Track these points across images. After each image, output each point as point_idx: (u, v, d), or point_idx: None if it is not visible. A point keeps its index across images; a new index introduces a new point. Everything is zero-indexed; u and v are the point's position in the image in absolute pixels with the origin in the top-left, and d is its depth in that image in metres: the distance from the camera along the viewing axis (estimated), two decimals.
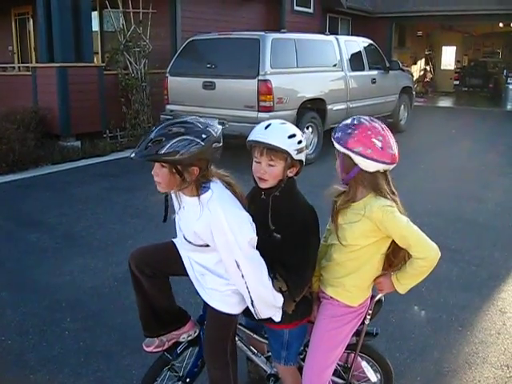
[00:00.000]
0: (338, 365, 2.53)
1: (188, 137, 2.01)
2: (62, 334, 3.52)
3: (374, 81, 10.35)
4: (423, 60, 23.32)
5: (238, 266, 2.09)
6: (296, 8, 14.71)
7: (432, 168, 8.53)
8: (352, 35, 15.91)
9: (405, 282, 2.21)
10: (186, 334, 2.49)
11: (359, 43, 10.39)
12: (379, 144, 2.13)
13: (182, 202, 2.19)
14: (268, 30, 10.47)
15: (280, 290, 2.18)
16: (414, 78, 20.02)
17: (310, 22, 15.06)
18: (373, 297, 2.37)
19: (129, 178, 7.70)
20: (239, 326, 2.51)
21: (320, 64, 9.02)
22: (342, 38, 9.91)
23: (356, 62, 9.94)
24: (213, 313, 2.27)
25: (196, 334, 2.52)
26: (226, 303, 2.24)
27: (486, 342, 3.48)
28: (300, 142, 2.20)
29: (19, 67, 11.87)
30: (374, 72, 10.45)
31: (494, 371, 3.17)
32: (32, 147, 8.36)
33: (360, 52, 10.18)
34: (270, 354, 2.59)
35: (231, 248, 2.08)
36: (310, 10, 15.39)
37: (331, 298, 2.30)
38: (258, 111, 7.85)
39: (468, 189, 7.27)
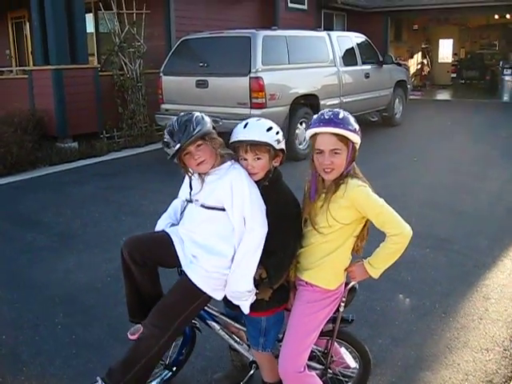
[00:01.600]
0: (318, 351, 2.62)
1: (197, 117, 2.36)
2: (54, 328, 3.62)
3: (367, 75, 10.43)
4: (420, 53, 23.34)
5: (244, 222, 2.32)
6: (290, 5, 14.79)
7: (425, 160, 8.60)
8: (347, 30, 16.01)
9: (378, 265, 2.32)
10: None
11: (352, 38, 10.47)
12: None
13: (204, 182, 2.43)
14: (262, 27, 10.55)
15: (260, 278, 2.31)
16: (412, 72, 20.12)
17: (304, 19, 15.11)
18: (346, 284, 2.47)
19: (125, 177, 7.81)
20: (221, 316, 2.62)
21: (312, 60, 9.10)
22: (334, 34, 10.00)
23: (349, 57, 10.03)
24: (184, 281, 2.40)
25: None
26: (205, 282, 2.37)
27: (468, 327, 3.57)
28: (278, 132, 2.39)
29: (16, 71, 11.97)
30: (368, 67, 10.53)
31: (473, 355, 3.25)
32: (29, 149, 8.46)
33: (352, 47, 10.27)
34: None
35: (244, 203, 2.32)
36: (304, 7, 15.44)
37: (307, 283, 2.40)
38: (251, 108, 7.94)
39: (461, 180, 7.34)
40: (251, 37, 8.07)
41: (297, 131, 8.65)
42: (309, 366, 2.48)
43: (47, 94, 9.64)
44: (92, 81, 10.09)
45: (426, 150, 9.42)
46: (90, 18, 12.54)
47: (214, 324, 2.62)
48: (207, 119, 2.40)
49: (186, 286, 2.39)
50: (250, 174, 2.39)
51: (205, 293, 2.38)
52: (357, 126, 2.32)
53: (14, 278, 4.49)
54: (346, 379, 2.74)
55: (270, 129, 2.37)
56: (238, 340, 2.70)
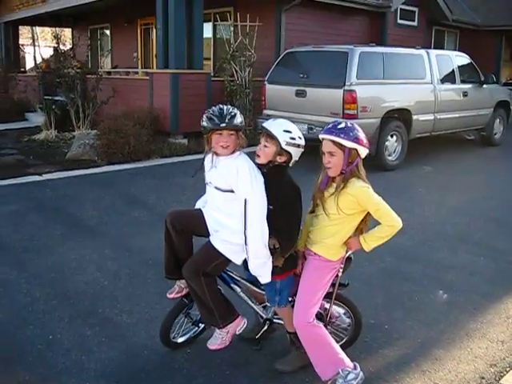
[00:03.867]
0: (320, 313, 3.24)
1: (241, 115, 3.02)
2: (145, 281, 4.53)
3: (465, 94, 10.62)
4: None
5: (246, 203, 2.91)
6: (399, 21, 15.05)
7: None
8: (459, 49, 16.03)
9: (370, 242, 3.01)
10: None
11: (452, 57, 10.71)
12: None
13: (217, 162, 3.05)
14: (371, 42, 11.06)
15: (273, 247, 2.96)
16: None
17: (413, 35, 15.34)
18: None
19: None
20: (242, 280, 3.27)
21: (408, 76, 9.52)
22: (433, 52, 10.31)
23: (447, 75, 10.30)
24: (208, 245, 3.08)
25: None
26: (224, 247, 3.04)
27: (492, 323, 4.01)
28: (293, 138, 2.96)
29: (139, 72, 13.38)
30: (467, 85, 10.72)
31: (488, 344, 3.71)
32: (145, 142, 9.63)
33: (452, 66, 10.52)
34: (266, 304, 3.33)
35: (247, 187, 2.90)
36: (414, 23, 15.63)
37: (315, 254, 3.09)
38: (343, 118, 8.52)
39: None
40: (349, 52, 8.70)
41: (387, 143, 9.12)
42: None
43: (164, 95, 10.84)
44: (205, 85, 11.16)
45: None
46: (209, 26, 13.70)
47: (235, 287, 3.26)
48: (243, 120, 3.03)
49: (210, 248, 3.07)
50: (256, 154, 3.00)
51: (223, 255, 3.04)
52: (360, 136, 2.96)
53: (119, 242, 5.49)
54: (342, 334, 3.42)
55: (287, 131, 2.95)
56: (254, 301, 3.36)
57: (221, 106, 3.01)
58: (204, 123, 2.98)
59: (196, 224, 3.20)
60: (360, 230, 3.11)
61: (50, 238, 5.58)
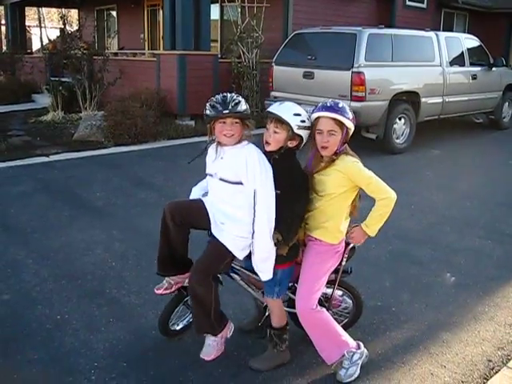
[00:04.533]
0: (321, 298, 3.18)
1: (246, 103, 2.90)
2: (152, 262, 4.50)
3: (474, 77, 10.52)
4: None
5: (255, 194, 2.85)
6: (408, 3, 14.89)
7: None
8: (468, 31, 15.84)
9: (372, 225, 2.98)
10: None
11: (461, 39, 10.60)
12: None
13: (222, 152, 2.94)
14: (380, 24, 10.95)
15: (277, 241, 2.90)
16: None
17: (422, 18, 15.16)
18: (347, 244, 3.11)
19: None
20: (242, 269, 3.18)
21: (417, 59, 9.42)
22: (443, 35, 10.20)
23: (456, 57, 10.20)
24: (216, 244, 2.94)
25: None
26: (233, 244, 2.92)
27: (500, 306, 4.00)
28: (303, 121, 2.90)
29: (146, 53, 13.32)
30: (476, 68, 10.62)
31: (495, 327, 3.71)
32: (152, 123, 9.60)
33: (461, 48, 10.41)
34: None
35: (257, 179, 2.81)
36: (423, 5, 15.46)
37: (316, 239, 3.05)
38: (351, 100, 8.45)
39: None
40: (357, 34, 8.60)
41: (395, 126, 9.06)
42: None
43: (171, 76, 10.80)
44: (212, 66, 11.10)
45: None
46: (216, 8, 13.59)
47: (235, 276, 3.16)
48: (248, 108, 2.90)
49: (217, 248, 2.94)
50: (265, 142, 2.90)
51: (231, 252, 2.93)
52: (351, 115, 2.93)
53: (126, 224, 5.50)
54: (342, 318, 3.43)
55: (297, 114, 2.87)
56: (255, 288, 3.27)
57: (224, 94, 2.89)
58: (207, 111, 2.87)
59: (196, 215, 3.04)
60: (351, 213, 3.10)
61: (57, 218, 5.59)
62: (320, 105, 2.97)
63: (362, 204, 3.14)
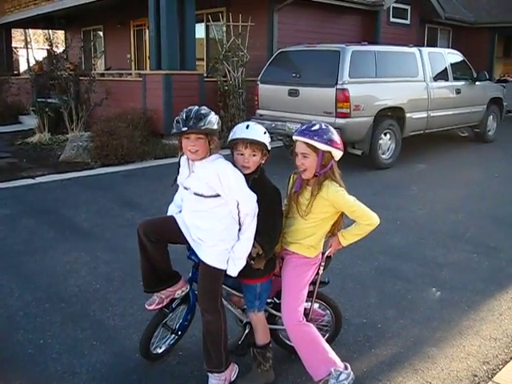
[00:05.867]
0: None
1: (214, 115, 2.84)
2: (138, 283, 4.48)
3: (458, 91, 10.63)
4: None
5: (238, 204, 2.85)
6: (392, 19, 15.11)
7: (507, 178, 8.75)
8: (452, 46, 16.07)
9: (348, 238, 3.08)
10: (179, 290, 3.15)
11: (444, 54, 10.72)
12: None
13: (193, 166, 2.90)
14: (363, 41, 11.09)
15: (257, 255, 2.92)
16: None
17: (406, 34, 15.38)
18: (323, 253, 3.14)
19: None
20: (224, 286, 3.10)
21: (400, 74, 9.51)
22: (426, 50, 10.31)
23: (439, 72, 10.32)
24: (207, 268, 2.91)
25: (187, 290, 3.18)
26: (219, 260, 2.89)
27: (485, 320, 4.00)
28: (269, 137, 2.97)
29: (133, 73, 13.37)
30: (459, 83, 10.74)
31: (481, 341, 3.71)
32: (138, 143, 9.63)
33: (444, 63, 10.54)
34: (245, 307, 3.23)
35: (234, 190, 2.81)
36: (407, 22, 15.68)
37: (293, 252, 3.08)
38: (336, 117, 8.53)
39: None
40: (340, 51, 8.68)
41: (380, 141, 9.12)
42: None
43: (157, 96, 10.84)
44: (197, 85, 11.17)
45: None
46: (201, 27, 13.69)
47: None
48: (217, 121, 2.81)
49: (209, 271, 2.90)
50: (244, 167, 2.89)
51: (222, 269, 2.91)
52: (334, 138, 2.93)
53: (112, 245, 5.48)
54: (323, 332, 3.39)
55: (265, 132, 2.91)
56: (235, 306, 3.27)
57: (192, 107, 2.82)
58: (174, 126, 2.82)
59: (170, 232, 3.04)
60: (332, 231, 3.14)
61: (42, 241, 5.56)
62: (299, 127, 3.00)
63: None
